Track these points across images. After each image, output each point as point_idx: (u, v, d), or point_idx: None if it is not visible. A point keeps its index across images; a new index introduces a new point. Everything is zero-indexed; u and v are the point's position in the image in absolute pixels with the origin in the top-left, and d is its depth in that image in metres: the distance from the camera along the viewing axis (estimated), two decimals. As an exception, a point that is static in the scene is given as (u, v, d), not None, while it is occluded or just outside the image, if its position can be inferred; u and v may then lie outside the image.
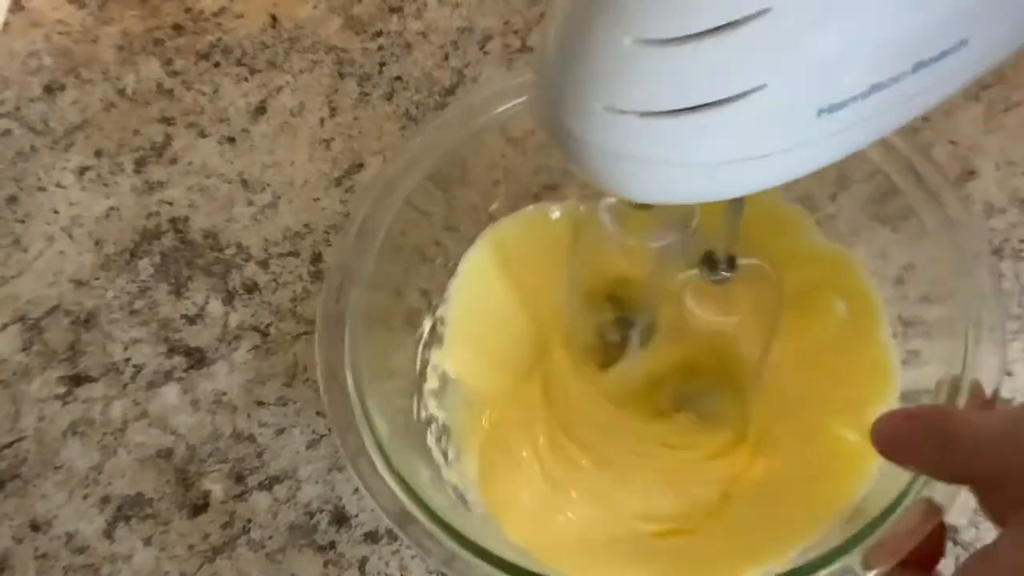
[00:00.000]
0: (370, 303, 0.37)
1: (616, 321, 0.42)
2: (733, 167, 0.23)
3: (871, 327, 0.39)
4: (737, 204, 0.32)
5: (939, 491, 0.31)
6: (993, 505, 0.26)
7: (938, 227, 0.37)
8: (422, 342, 0.41)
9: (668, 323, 0.39)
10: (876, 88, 0.22)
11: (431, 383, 0.41)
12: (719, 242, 0.33)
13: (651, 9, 0.21)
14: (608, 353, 0.41)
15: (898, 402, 0.38)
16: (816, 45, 0.21)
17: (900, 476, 0.31)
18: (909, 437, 0.27)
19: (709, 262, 0.34)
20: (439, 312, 0.42)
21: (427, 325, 0.42)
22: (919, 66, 0.23)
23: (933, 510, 0.31)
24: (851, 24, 0.21)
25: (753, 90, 0.21)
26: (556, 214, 0.43)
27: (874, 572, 0.30)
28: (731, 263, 0.34)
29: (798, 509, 0.37)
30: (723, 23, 0.20)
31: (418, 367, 0.41)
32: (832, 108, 0.22)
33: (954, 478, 0.28)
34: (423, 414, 0.40)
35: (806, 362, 0.40)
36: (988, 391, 0.33)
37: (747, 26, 0.20)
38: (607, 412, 0.40)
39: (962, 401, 0.33)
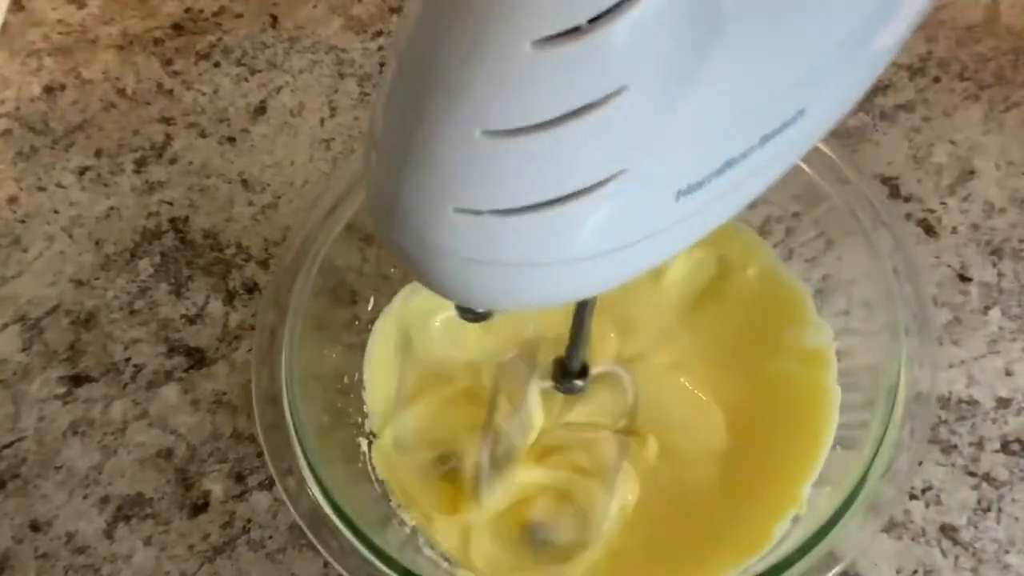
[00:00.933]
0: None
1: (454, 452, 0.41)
2: (598, 262, 0.22)
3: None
4: (583, 309, 0.30)
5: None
6: None
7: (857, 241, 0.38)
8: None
9: (518, 441, 0.39)
10: (729, 164, 0.22)
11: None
12: (571, 349, 0.32)
13: (506, 97, 0.19)
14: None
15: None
16: (672, 123, 0.20)
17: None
18: None
19: (560, 371, 0.33)
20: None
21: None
22: (764, 140, 0.22)
23: None
24: (704, 98, 0.20)
25: (613, 176, 0.20)
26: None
27: None
28: (583, 372, 0.33)
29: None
30: (581, 106, 0.19)
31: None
32: (690, 188, 0.22)
33: None
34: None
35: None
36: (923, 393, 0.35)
37: (605, 107, 0.19)
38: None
39: (900, 408, 0.34)
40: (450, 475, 0.40)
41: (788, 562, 0.33)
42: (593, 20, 0.18)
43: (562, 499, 0.39)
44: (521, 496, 0.39)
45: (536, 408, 0.37)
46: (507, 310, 0.24)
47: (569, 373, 0.33)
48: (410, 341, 0.39)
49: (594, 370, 0.34)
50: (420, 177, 0.21)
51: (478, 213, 0.21)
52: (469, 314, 0.30)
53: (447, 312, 0.38)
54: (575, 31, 0.18)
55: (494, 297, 0.23)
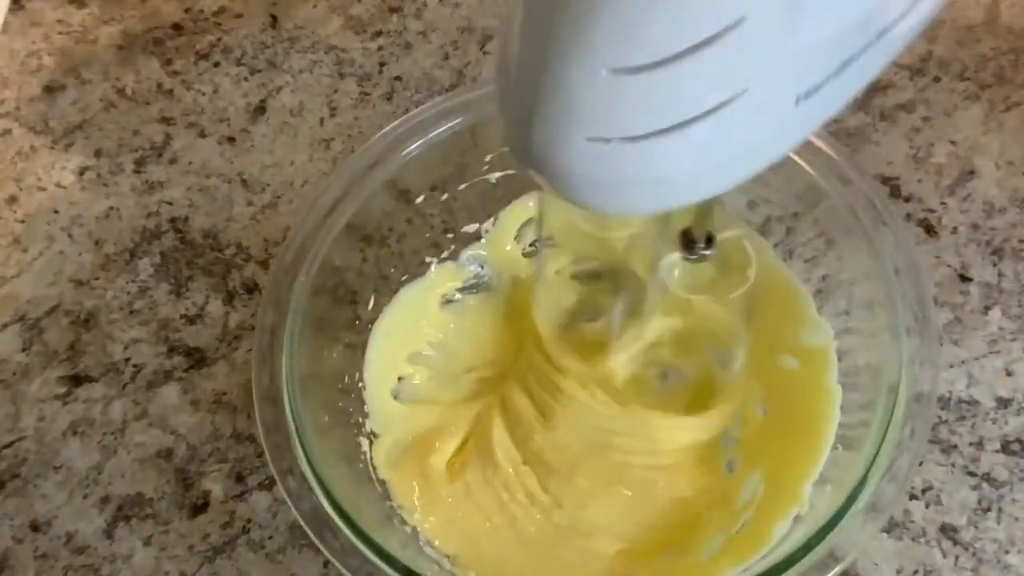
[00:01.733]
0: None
1: (592, 307, 0.42)
2: (720, 168, 0.23)
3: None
4: None
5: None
6: None
7: (858, 241, 0.38)
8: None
9: (652, 304, 0.39)
10: (845, 64, 0.23)
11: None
12: (695, 221, 0.33)
13: (629, 38, 0.20)
14: (587, 345, 0.41)
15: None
16: (791, 41, 0.21)
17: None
18: None
19: (687, 241, 0.34)
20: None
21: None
22: (883, 33, 0.23)
23: None
24: (823, 12, 0.21)
25: (735, 97, 0.21)
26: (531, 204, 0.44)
27: None
28: (709, 241, 0.34)
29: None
30: (700, 41, 0.20)
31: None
32: (809, 93, 0.22)
33: None
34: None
35: None
36: (924, 393, 0.35)
37: (722, 40, 0.20)
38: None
39: (901, 408, 0.34)
40: (583, 331, 0.41)
41: (789, 561, 0.32)
42: None
43: (692, 349, 0.40)
44: (654, 344, 0.40)
45: (668, 274, 0.38)
46: (637, 215, 0.26)
47: (695, 242, 0.34)
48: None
49: (720, 236, 0.35)
50: (553, 109, 0.22)
51: (607, 141, 0.22)
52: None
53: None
54: None
55: (627, 207, 0.25)
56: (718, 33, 0.20)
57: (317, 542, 0.34)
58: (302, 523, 0.34)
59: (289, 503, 0.34)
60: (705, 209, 0.33)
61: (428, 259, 0.43)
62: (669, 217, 0.35)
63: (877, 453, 0.34)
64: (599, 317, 0.41)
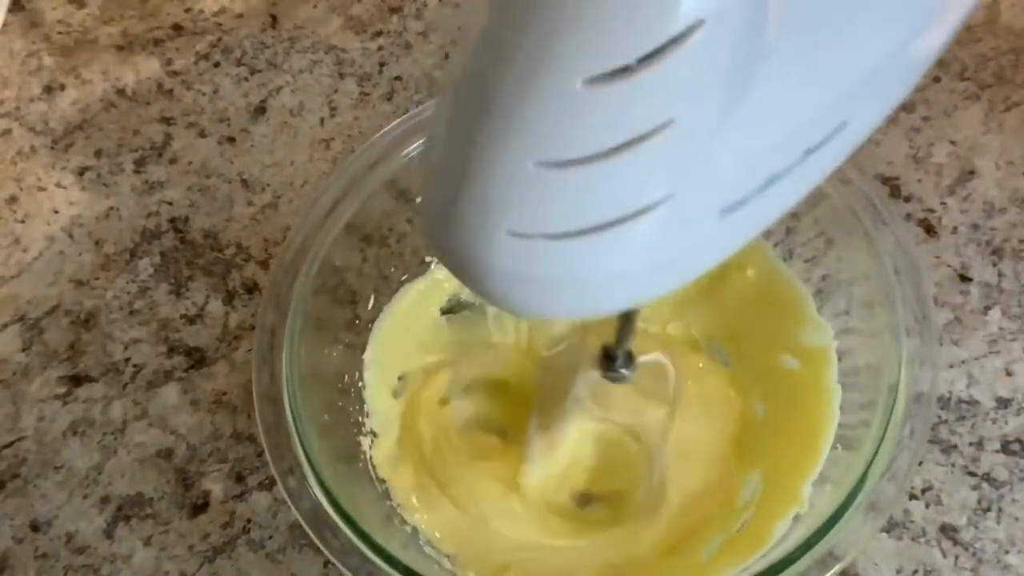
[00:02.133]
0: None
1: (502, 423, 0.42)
2: (639, 277, 0.23)
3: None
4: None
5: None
6: None
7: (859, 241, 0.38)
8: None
9: (570, 424, 0.40)
10: (771, 181, 0.22)
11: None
12: (617, 339, 0.33)
13: (560, 131, 0.20)
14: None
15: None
16: (719, 148, 0.21)
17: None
18: None
19: (607, 360, 0.34)
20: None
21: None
22: (808, 153, 0.22)
23: None
24: (751, 122, 0.21)
25: (659, 202, 0.21)
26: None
27: None
28: (628, 360, 0.34)
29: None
30: (629, 139, 0.20)
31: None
32: (734, 207, 0.22)
33: None
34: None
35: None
36: (924, 393, 0.35)
37: (652, 139, 0.20)
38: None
39: (901, 407, 0.34)
40: (495, 449, 0.41)
41: (788, 560, 0.32)
42: (642, 59, 0.19)
43: (608, 471, 0.40)
44: (569, 468, 0.40)
45: (584, 395, 0.38)
46: (554, 319, 0.25)
47: (615, 362, 0.34)
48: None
49: (640, 358, 0.35)
50: (475, 201, 0.22)
51: (529, 237, 0.22)
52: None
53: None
54: (625, 70, 0.19)
55: (542, 309, 0.24)
56: (648, 132, 0.20)
57: (317, 542, 0.34)
58: (302, 523, 0.34)
59: (289, 503, 0.34)
60: (626, 326, 0.33)
61: (428, 259, 0.43)
62: (587, 332, 0.35)
63: (876, 452, 0.34)
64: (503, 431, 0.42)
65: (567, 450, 0.40)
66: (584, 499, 0.40)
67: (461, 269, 0.24)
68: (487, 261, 0.22)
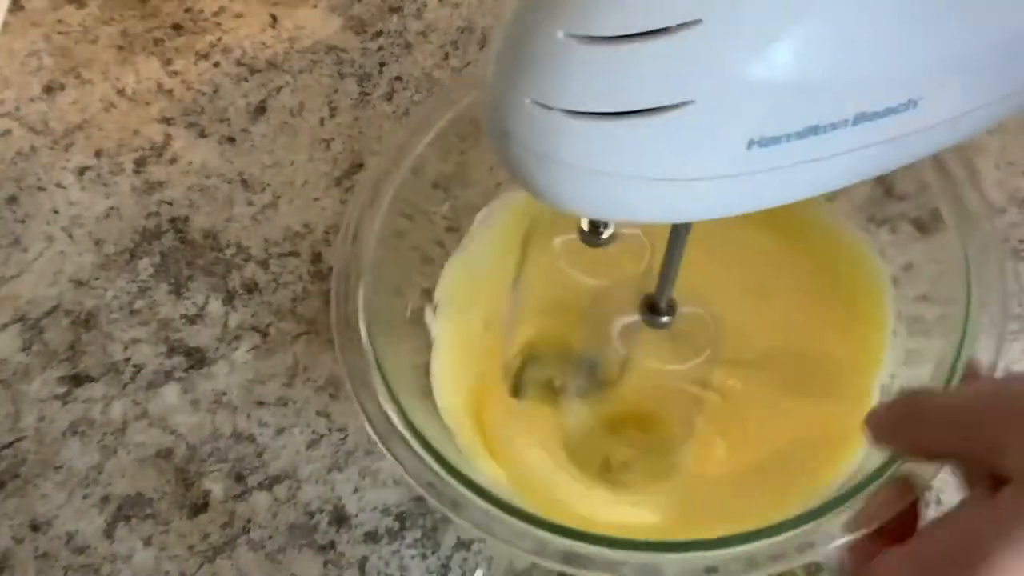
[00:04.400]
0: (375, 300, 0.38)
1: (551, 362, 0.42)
2: (656, 187, 0.23)
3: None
4: (673, 247, 0.31)
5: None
6: (966, 481, 0.28)
7: (940, 225, 0.37)
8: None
9: (608, 369, 0.39)
10: (811, 131, 0.22)
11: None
12: (660, 284, 0.33)
13: (585, 5, 0.21)
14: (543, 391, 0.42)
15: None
16: (745, 67, 0.21)
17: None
18: (888, 422, 0.30)
19: (649, 307, 0.34)
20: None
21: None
22: (860, 118, 0.22)
23: (910, 485, 0.31)
24: (782, 52, 0.21)
25: (680, 104, 0.21)
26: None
27: (848, 537, 0.31)
28: (671, 309, 0.34)
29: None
30: (654, 28, 0.20)
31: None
32: (763, 142, 0.22)
33: (927, 454, 0.30)
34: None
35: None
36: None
37: (677, 35, 0.20)
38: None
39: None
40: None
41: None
42: None
43: (642, 433, 0.40)
44: (603, 424, 0.40)
45: (622, 339, 0.38)
46: (567, 212, 0.26)
47: (657, 309, 0.34)
48: (527, 256, 0.40)
49: (681, 309, 0.35)
50: (505, 66, 0.23)
51: (550, 109, 0.22)
52: (591, 237, 0.34)
53: (568, 235, 0.38)
54: None
55: (560, 196, 0.24)
56: (673, 26, 0.20)
57: (388, 453, 0.33)
58: (375, 438, 0.34)
59: (366, 421, 0.34)
60: (668, 272, 0.33)
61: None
62: (643, 276, 0.35)
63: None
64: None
65: (599, 413, 0.40)
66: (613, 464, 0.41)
67: (496, 142, 0.24)
68: (511, 130, 0.23)
